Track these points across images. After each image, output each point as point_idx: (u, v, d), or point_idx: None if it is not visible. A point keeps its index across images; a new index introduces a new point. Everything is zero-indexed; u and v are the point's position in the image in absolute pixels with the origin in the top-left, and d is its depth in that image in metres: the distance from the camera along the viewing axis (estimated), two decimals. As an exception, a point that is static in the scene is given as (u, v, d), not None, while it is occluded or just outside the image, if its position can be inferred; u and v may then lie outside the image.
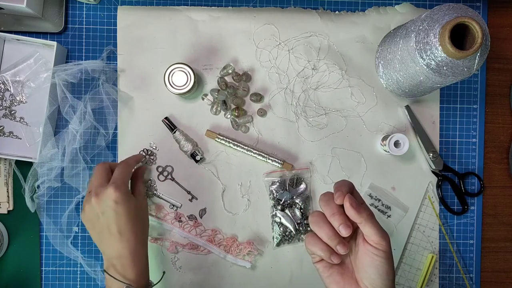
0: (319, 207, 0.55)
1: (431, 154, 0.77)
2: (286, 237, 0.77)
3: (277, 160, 0.76)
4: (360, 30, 0.78)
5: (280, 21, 0.78)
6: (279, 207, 0.77)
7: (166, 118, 0.77)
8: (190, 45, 0.77)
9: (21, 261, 0.78)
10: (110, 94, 0.75)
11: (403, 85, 0.73)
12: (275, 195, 0.77)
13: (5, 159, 0.76)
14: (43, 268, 0.78)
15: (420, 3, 0.79)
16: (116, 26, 0.77)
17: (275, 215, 0.77)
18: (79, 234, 0.78)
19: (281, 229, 0.77)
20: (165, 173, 0.78)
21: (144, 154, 0.77)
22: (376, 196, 0.78)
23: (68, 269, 0.78)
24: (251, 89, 0.78)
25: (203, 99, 0.77)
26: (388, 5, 0.79)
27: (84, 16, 0.77)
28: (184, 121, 0.77)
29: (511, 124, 0.81)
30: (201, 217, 0.78)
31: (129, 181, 0.70)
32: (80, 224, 0.78)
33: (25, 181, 0.75)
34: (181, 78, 0.72)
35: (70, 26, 0.77)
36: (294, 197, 0.77)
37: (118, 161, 0.77)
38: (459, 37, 0.62)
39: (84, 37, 0.78)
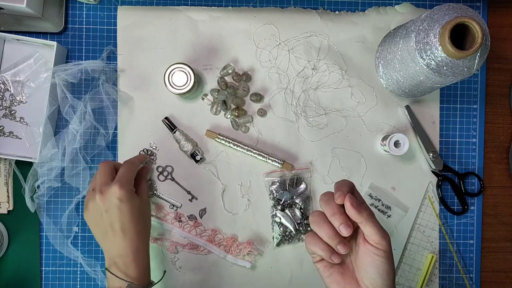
0: (319, 207, 0.55)
1: (431, 154, 0.77)
2: (286, 237, 0.77)
3: (277, 160, 0.76)
4: (360, 30, 0.78)
5: (280, 21, 0.78)
6: (279, 207, 0.77)
7: (166, 118, 0.77)
8: (190, 45, 0.77)
9: (21, 261, 0.78)
10: (110, 94, 0.75)
11: (403, 85, 0.73)
12: (275, 195, 0.77)
13: (5, 159, 0.76)
14: (43, 268, 0.78)
15: (420, 3, 0.79)
16: (116, 26, 0.77)
17: (275, 215, 0.77)
18: (79, 234, 0.78)
19: (281, 229, 0.77)
20: (165, 173, 0.78)
21: (144, 154, 0.77)
22: (376, 196, 0.78)
23: (68, 269, 0.78)
24: (251, 89, 0.78)
25: (203, 99, 0.77)
26: (388, 5, 0.79)
27: (84, 16, 0.77)
28: (184, 121, 0.77)
29: (511, 124, 0.81)
30: (201, 217, 0.78)
31: (133, 180, 0.70)
32: (80, 224, 0.78)
33: (25, 181, 0.75)
34: (181, 78, 0.72)
35: (70, 26, 0.77)
36: (294, 197, 0.77)
37: (118, 161, 0.77)
38: (459, 37, 0.62)
39: (84, 37, 0.78)
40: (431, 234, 0.79)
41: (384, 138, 0.76)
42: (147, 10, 0.77)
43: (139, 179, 0.72)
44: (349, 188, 0.54)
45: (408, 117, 0.78)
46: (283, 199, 0.77)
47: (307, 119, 0.78)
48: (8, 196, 0.77)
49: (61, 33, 0.77)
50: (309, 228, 0.77)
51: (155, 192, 0.77)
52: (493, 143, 0.81)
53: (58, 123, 0.77)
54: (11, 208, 0.77)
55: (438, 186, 0.79)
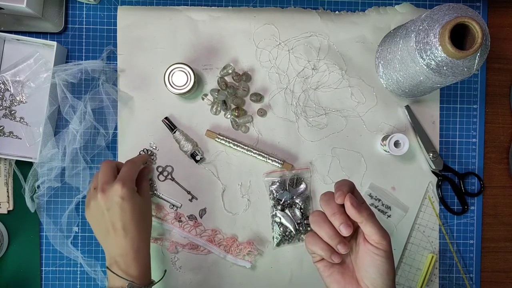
0: (319, 207, 0.56)
1: (431, 154, 0.78)
2: (286, 237, 0.77)
3: (277, 160, 0.76)
4: (360, 30, 0.78)
5: (280, 21, 0.78)
6: (279, 207, 0.77)
7: (166, 118, 0.77)
8: (190, 45, 0.77)
9: (21, 261, 0.78)
10: (110, 94, 0.75)
11: (403, 85, 0.73)
12: (275, 195, 0.77)
13: (5, 159, 0.76)
14: (43, 268, 0.78)
15: (420, 3, 0.79)
16: (116, 26, 0.77)
17: (275, 215, 0.77)
18: (79, 234, 0.78)
19: (281, 229, 0.77)
20: (165, 173, 0.78)
21: (146, 154, 0.77)
22: (376, 196, 0.78)
23: (68, 269, 0.78)
24: (251, 89, 0.78)
25: (203, 99, 0.77)
26: (388, 5, 0.79)
27: (84, 16, 0.77)
28: (184, 121, 0.77)
29: (511, 124, 0.81)
30: (201, 217, 0.78)
31: (135, 180, 0.70)
32: (80, 224, 0.78)
33: (25, 181, 0.75)
34: (181, 78, 0.72)
35: (70, 26, 0.77)
36: (294, 197, 0.77)
37: (119, 161, 0.77)
38: (459, 37, 0.62)
39: (84, 37, 0.78)
40: (431, 234, 0.79)
41: (384, 138, 0.76)
42: (147, 10, 0.77)
43: (141, 179, 0.72)
44: (349, 188, 0.54)
45: (408, 117, 0.78)
46: (283, 199, 0.77)
47: (307, 119, 0.78)
48: (8, 196, 0.77)
49: (61, 33, 0.77)
50: (309, 228, 0.77)
51: (155, 192, 0.77)
52: (493, 143, 0.81)
53: (58, 123, 0.77)
54: (11, 208, 0.77)
55: (438, 186, 0.79)
